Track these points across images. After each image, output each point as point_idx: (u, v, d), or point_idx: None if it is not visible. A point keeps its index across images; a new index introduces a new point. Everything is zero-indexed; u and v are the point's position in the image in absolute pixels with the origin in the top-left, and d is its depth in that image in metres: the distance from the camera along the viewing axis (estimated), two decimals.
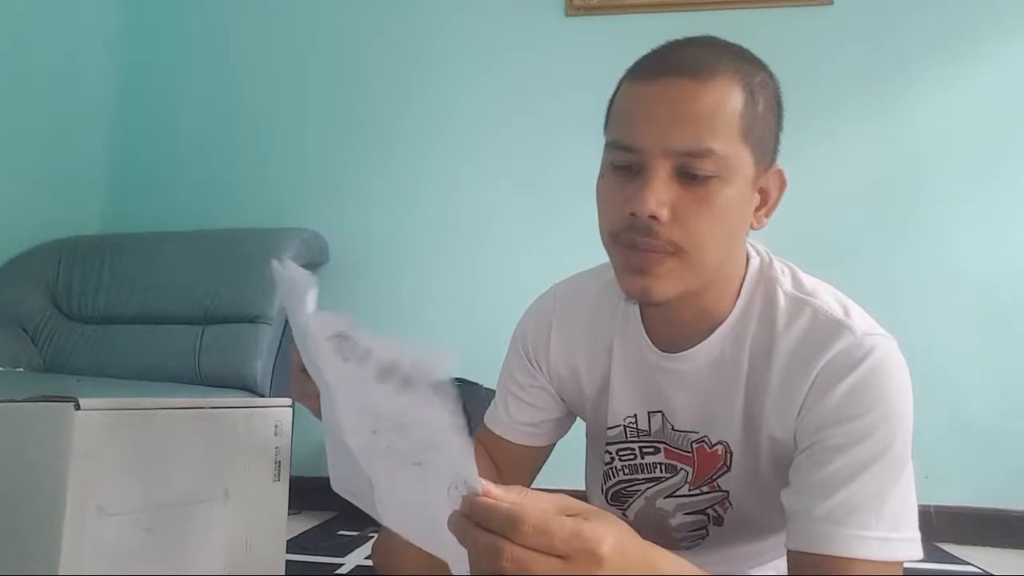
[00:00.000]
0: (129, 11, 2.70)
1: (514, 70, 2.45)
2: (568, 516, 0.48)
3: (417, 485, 0.54)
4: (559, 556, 0.46)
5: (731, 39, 0.77)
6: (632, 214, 0.69)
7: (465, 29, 2.49)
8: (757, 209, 0.75)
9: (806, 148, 2.22)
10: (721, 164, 0.68)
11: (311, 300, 0.61)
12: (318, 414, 0.73)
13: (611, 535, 0.47)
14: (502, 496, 0.48)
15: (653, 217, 0.68)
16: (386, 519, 0.63)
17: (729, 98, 0.69)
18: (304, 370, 0.71)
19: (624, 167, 0.71)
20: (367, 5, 2.55)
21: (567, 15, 2.42)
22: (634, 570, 0.49)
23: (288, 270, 0.65)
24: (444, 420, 0.48)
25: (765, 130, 0.73)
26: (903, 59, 2.26)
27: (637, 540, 0.51)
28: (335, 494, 0.71)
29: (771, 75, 0.75)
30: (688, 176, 0.69)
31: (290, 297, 0.65)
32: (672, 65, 0.70)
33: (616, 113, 0.74)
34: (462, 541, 0.48)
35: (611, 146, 0.73)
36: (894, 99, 2.26)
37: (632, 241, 0.70)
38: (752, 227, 0.76)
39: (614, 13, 2.38)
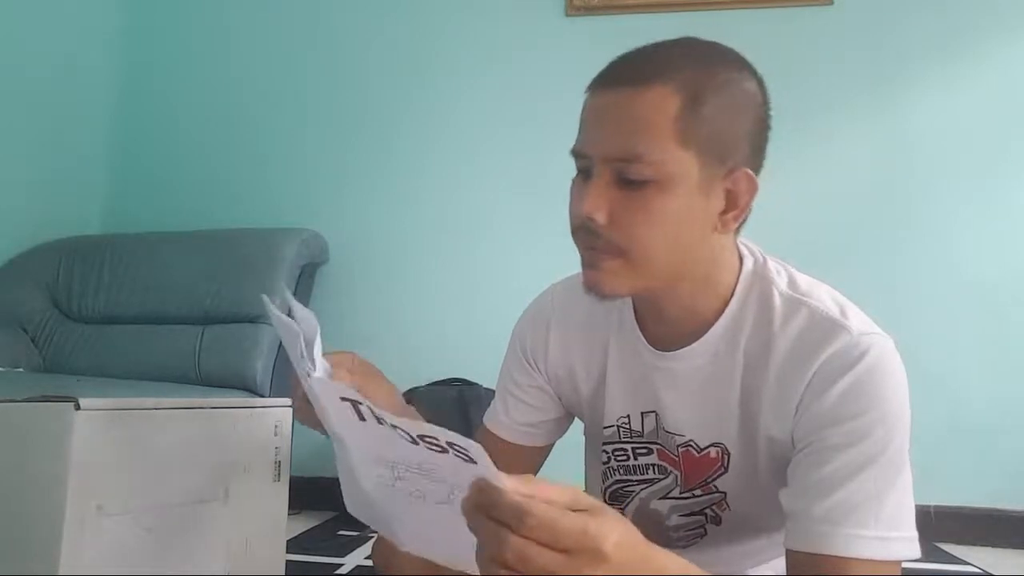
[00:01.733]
0: (129, 11, 2.70)
1: (514, 70, 2.45)
2: (576, 511, 0.48)
3: (443, 518, 0.55)
4: (562, 551, 0.46)
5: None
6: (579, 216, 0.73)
7: (465, 29, 2.49)
8: (724, 212, 0.74)
9: (806, 148, 2.22)
10: (655, 170, 0.70)
11: (318, 352, 0.63)
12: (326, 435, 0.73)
13: (615, 532, 0.47)
14: (514, 486, 0.48)
15: (592, 220, 0.72)
16: (408, 545, 0.64)
17: (662, 104, 0.70)
18: (308, 401, 0.72)
19: (582, 172, 0.75)
20: (367, 5, 2.55)
21: (567, 15, 2.42)
22: (637, 569, 0.49)
23: (291, 314, 0.66)
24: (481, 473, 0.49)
25: (719, 132, 0.71)
26: (903, 59, 2.26)
27: (641, 539, 0.51)
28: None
29: (744, 75, 0.74)
30: (625, 181, 0.71)
31: (291, 341, 0.66)
32: (614, 76, 0.73)
33: (580, 121, 0.77)
34: (470, 527, 0.48)
35: (571, 153, 0.77)
36: (894, 99, 2.26)
37: (582, 240, 0.75)
38: (717, 230, 0.75)
39: (614, 13, 2.39)
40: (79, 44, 2.56)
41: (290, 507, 0.95)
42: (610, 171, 0.72)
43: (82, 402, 0.71)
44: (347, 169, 2.51)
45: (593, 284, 0.76)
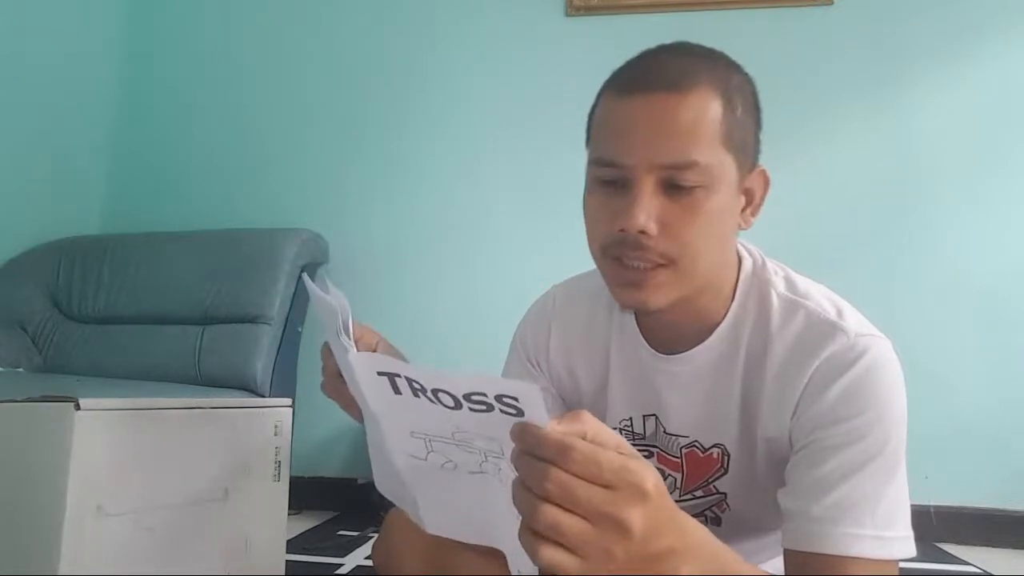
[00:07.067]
0: (130, 11, 2.70)
1: (514, 70, 2.45)
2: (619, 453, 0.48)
3: (474, 489, 0.55)
4: (604, 486, 0.46)
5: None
6: (622, 230, 0.70)
7: (465, 29, 2.49)
8: (742, 210, 0.76)
9: (806, 148, 2.23)
10: (706, 174, 0.69)
11: (351, 329, 0.64)
12: (349, 410, 0.75)
13: (655, 475, 0.47)
14: (563, 427, 0.48)
15: (643, 232, 0.69)
16: (432, 528, 0.64)
17: (708, 108, 0.69)
18: (340, 375, 0.72)
19: (610, 182, 0.72)
20: (368, 5, 2.56)
21: (567, 15, 2.42)
22: (668, 516, 0.49)
23: (326, 293, 0.68)
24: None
25: (745, 134, 0.73)
26: (903, 59, 2.26)
27: (667, 493, 0.51)
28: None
29: (747, 76, 0.76)
30: (674, 188, 0.70)
31: (328, 318, 0.67)
32: (650, 79, 0.70)
33: (598, 128, 0.74)
34: (516, 467, 0.48)
35: (595, 162, 0.73)
36: (894, 99, 2.26)
37: (623, 255, 0.71)
38: (740, 228, 0.77)
39: (614, 13, 2.39)
40: (80, 44, 2.56)
41: (290, 507, 0.95)
42: (655, 179, 0.69)
43: (82, 402, 0.71)
44: (347, 169, 2.51)
45: (638, 302, 0.73)
